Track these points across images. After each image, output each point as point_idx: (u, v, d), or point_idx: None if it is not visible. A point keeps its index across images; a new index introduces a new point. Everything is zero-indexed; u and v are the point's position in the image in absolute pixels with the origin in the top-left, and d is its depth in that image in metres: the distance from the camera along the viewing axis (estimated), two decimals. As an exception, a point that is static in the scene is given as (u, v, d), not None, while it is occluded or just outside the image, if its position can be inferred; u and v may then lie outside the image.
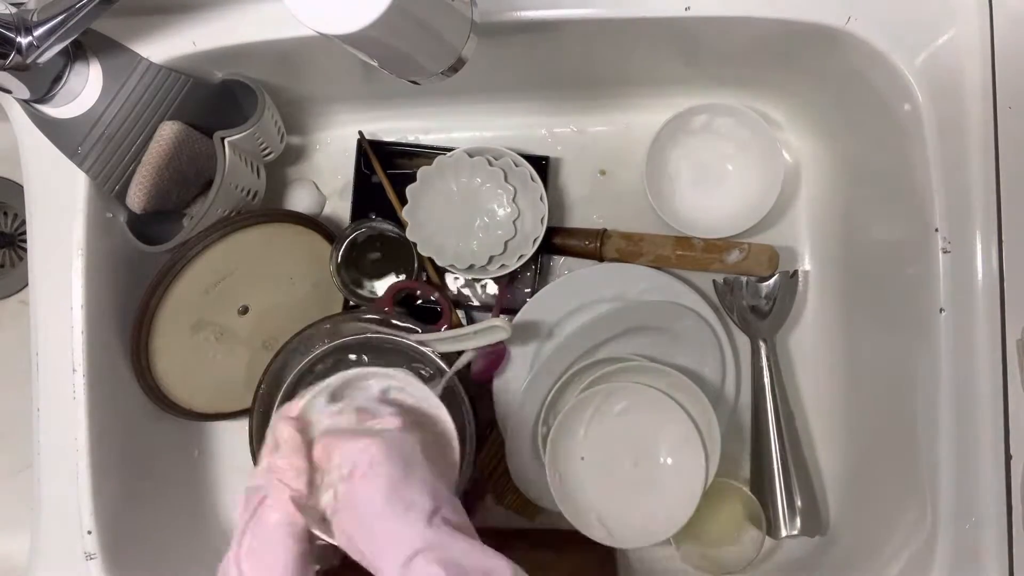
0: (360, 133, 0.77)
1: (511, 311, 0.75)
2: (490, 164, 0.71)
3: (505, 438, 0.72)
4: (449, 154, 0.71)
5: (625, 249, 0.75)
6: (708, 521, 0.72)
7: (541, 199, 0.71)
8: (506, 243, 0.71)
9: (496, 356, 0.72)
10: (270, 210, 0.74)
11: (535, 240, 0.71)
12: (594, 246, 0.75)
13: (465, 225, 0.72)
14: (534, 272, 0.76)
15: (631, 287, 0.73)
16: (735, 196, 0.75)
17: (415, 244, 0.71)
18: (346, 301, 0.76)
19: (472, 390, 0.71)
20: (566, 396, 0.71)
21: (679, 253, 0.74)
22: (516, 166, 0.71)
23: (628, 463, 0.71)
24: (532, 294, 0.75)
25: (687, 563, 0.73)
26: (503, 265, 0.72)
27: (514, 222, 0.71)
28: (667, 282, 0.74)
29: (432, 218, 0.72)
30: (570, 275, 0.74)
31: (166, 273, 0.65)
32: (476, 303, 0.78)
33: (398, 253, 0.74)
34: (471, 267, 0.72)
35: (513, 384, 0.72)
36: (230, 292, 0.70)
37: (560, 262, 0.79)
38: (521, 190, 0.72)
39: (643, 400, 0.69)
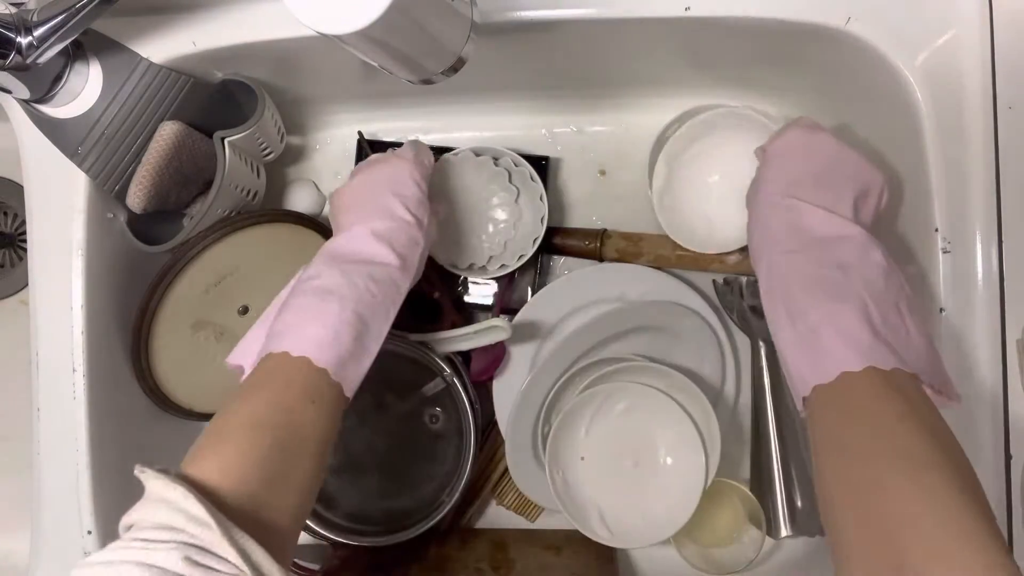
0: (360, 133, 0.77)
1: (511, 311, 0.75)
2: (495, 164, 0.71)
3: (505, 438, 0.72)
4: (454, 152, 0.71)
5: (625, 249, 0.75)
6: (708, 521, 0.72)
7: (541, 199, 0.71)
8: (506, 243, 0.71)
9: (495, 356, 0.72)
10: (270, 210, 0.74)
11: (535, 240, 0.71)
12: (594, 246, 0.75)
13: (467, 225, 0.72)
14: (534, 272, 0.76)
15: (631, 287, 0.73)
16: (736, 196, 0.75)
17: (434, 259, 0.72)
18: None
19: (472, 390, 0.71)
20: (566, 396, 0.71)
21: (679, 253, 0.74)
22: (516, 166, 0.71)
23: (628, 463, 0.71)
24: (532, 294, 0.75)
25: (687, 563, 0.73)
26: (503, 265, 0.72)
27: (515, 223, 0.71)
28: (667, 282, 0.74)
29: (446, 231, 0.72)
30: (570, 275, 0.74)
31: (166, 273, 0.65)
32: (476, 303, 0.78)
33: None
34: (471, 266, 0.72)
35: (513, 384, 0.72)
36: (230, 292, 0.70)
37: (560, 262, 0.79)
38: (522, 190, 0.72)
39: (643, 400, 0.69)
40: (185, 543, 0.38)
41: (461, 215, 0.72)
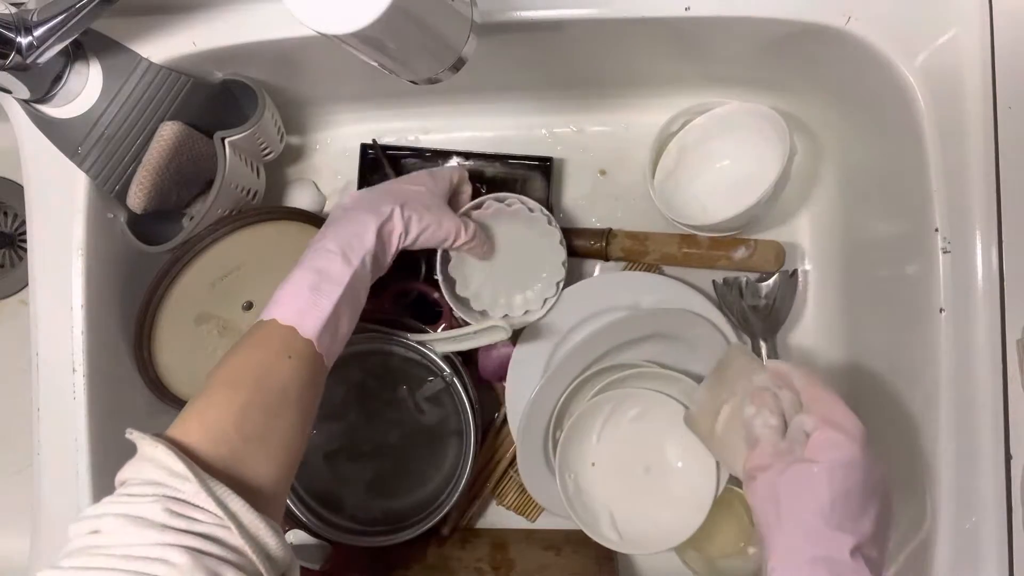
0: (374, 141, 0.77)
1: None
2: (531, 211, 0.69)
3: (516, 442, 0.72)
4: (500, 203, 0.69)
5: (631, 248, 0.74)
6: (714, 530, 0.71)
7: (561, 243, 0.70)
8: (558, 283, 0.71)
9: (505, 357, 0.72)
10: (280, 208, 0.74)
11: (558, 283, 0.71)
12: (599, 246, 0.75)
13: (515, 276, 0.72)
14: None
15: (645, 295, 0.73)
16: (737, 193, 0.75)
17: (467, 300, 0.70)
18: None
19: (472, 390, 0.71)
20: (578, 401, 0.70)
21: (685, 251, 0.74)
22: (531, 212, 0.70)
23: (640, 469, 0.71)
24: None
25: (691, 569, 0.73)
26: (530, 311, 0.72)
27: (562, 263, 0.70)
28: (681, 291, 0.74)
29: (478, 271, 0.71)
30: (585, 282, 0.74)
31: (172, 265, 0.65)
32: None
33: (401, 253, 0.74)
34: (527, 313, 0.71)
35: (525, 388, 0.71)
36: (236, 287, 0.69)
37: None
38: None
39: (655, 407, 0.69)
40: (166, 496, 0.42)
41: (508, 268, 0.71)
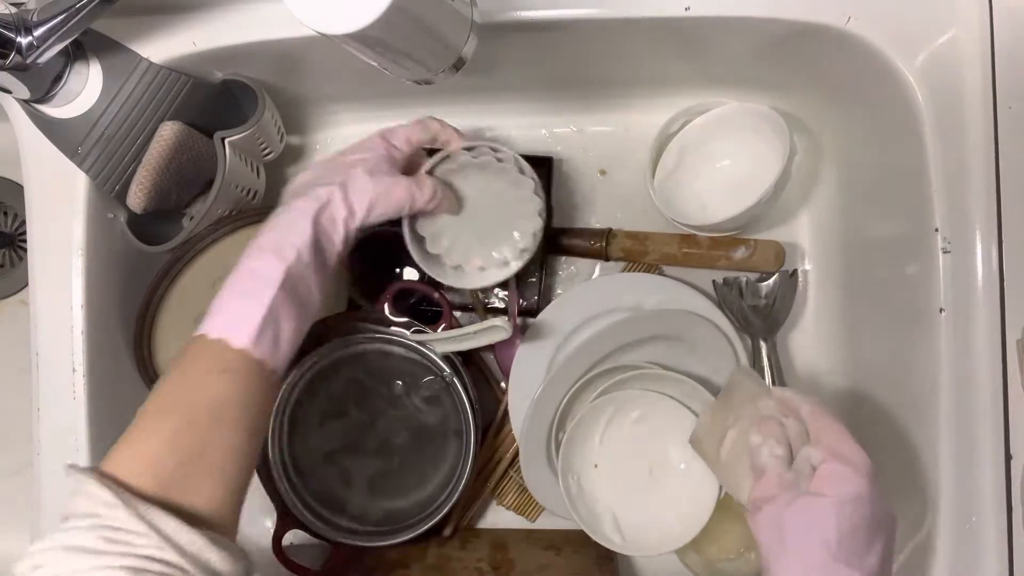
0: None
1: (522, 313, 0.74)
2: (500, 161, 0.65)
3: (519, 444, 0.72)
4: (467, 154, 0.65)
5: (631, 248, 0.74)
6: (716, 533, 0.70)
7: (536, 192, 0.66)
8: (534, 234, 0.67)
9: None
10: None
11: (534, 233, 0.67)
12: (600, 246, 0.75)
13: (488, 229, 0.68)
14: (540, 273, 0.75)
15: (647, 296, 0.73)
16: (737, 193, 0.75)
17: (438, 257, 0.67)
18: (351, 300, 0.75)
19: (472, 390, 0.71)
20: (581, 403, 0.70)
21: (685, 251, 0.74)
22: (500, 161, 0.66)
23: (643, 471, 0.71)
24: (539, 294, 0.74)
25: (692, 571, 0.72)
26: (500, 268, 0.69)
27: (538, 212, 0.66)
28: (683, 292, 0.74)
29: (448, 227, 0.67)
30: (587, 283, 0.74)
31: (173, 264, 0.65)
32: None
33: (405, 253, 0.74)
34: (506, 265, 0.68)
35: (527, 389, 0.71)
36: (234, 289, 0.69)
37: (561, 261, 0.79)
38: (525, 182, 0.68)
39: (658, 409, 0.69)
40: (101, 525, 0.43)
41: (479, 222, 0.67)
